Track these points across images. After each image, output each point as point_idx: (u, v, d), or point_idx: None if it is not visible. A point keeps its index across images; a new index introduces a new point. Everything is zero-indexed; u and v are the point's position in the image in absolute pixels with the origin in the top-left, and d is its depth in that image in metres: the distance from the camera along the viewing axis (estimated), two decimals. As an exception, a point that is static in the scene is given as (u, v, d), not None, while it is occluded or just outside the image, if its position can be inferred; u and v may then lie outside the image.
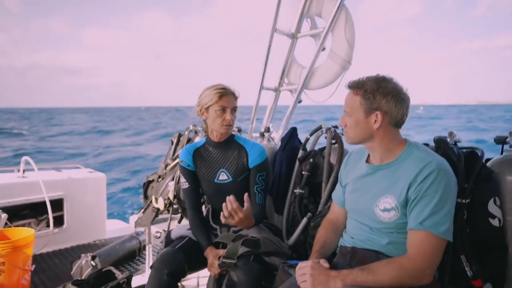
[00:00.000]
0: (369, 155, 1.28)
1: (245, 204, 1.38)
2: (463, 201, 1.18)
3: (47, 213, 2.82)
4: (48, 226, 2.88)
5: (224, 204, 1.33)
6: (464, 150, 1.28)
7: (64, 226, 3.18)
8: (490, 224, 1.19)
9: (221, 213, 1.35)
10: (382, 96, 1.14)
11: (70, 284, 1.89)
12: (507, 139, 1.30)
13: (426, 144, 1.35)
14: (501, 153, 1.34)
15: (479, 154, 1.24)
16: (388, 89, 1.14)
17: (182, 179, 1.70)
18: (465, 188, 1.19)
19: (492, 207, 1.19)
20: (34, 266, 2.35)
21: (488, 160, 1.32)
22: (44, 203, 2.81)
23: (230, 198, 1.34)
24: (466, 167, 1.22)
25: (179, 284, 2.36)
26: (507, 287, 1.20)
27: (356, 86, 1.19)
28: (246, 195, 1.40)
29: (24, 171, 3.09)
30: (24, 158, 2.99)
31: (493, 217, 1.19)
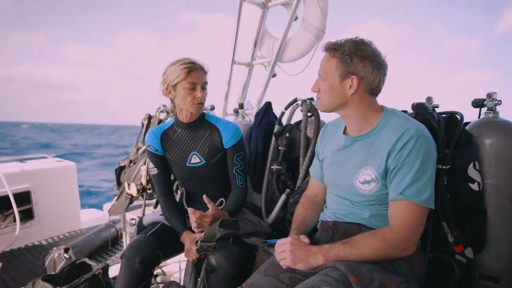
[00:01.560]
0: (346, 127, 1.22)
1: (210, 207, 1.37)
2: (444, 167, 1.15)
3: (12, 207, 2.65)
4: (15, 221, 2.72)
5: (191, 217, 1.35)
6: (444, 115, 1.24)
7: (35, 219, 3.03)
8: (470, 189, 1.16)
9: (191, 225, 1.38)
10: (359, 60, 1.07)
11: (40, 280, 1.78)
12: (485, 102, 1.27)
13: (405, 111, 1.31)
14: (479, 117, 1.30)
15: (459, 118, 1.20)
16: (367, 53, 1.07)
17: (151, 165, 1.59)
18: (445, 153, 1.16)
19: (472, 172, 1.16)
20: (1, 264, 2.22)
21: (466, 124, 1.29)
22: (9, 197, 2.64)
23: (190, 211, 1.34)
24: (446, 132, 1.18)
25: (159, 270, 2.30)
26: (487, 249, 1.20)
27: (333, 48, 1.11)
28: (204, 196, 1.38)
29: (-18, 164, 2.89)
30: (-19, 150, 2.78)
31: (473, 181, 1.17)
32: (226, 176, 1.58)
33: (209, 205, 1.36)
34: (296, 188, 1.62)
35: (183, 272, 2.20)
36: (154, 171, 1.58)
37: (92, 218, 3.51)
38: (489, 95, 1.25)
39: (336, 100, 1.12)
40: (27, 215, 3.00)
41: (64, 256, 2.25)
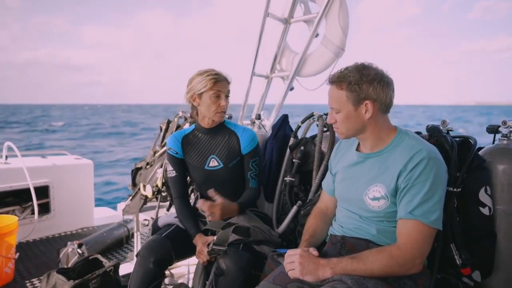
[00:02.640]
0: (359, 143, 1.26)
1: (217, 198, 1.46)
2: (455, 189, 1.17)
3: (32, 200, 2.76)
4: (33, 213, 2.83)
5: (203, 207, 1.44)
6: (457, 139, 1.27)
7: (51, 213, 3.13)
8: (480, 213, 1.18)
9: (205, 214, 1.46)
10: (368, 85, 1.11)
11: (54, 273, 1.85)
12: (499, 128, 1.29)
13: (419, 133, 1.34)
14: (493, 142, 1.32)
15: (472, 143, 1.23)
16: (372, 76, 1.12)
17: (169, 167, 1.66)
18: (457, 177, 1.18)
19: (483, 196, 1.18)
20: (18, 254, 2.31)
21: (480, 149, 1.31)
22: (29, 190, 2.75)
23: (199, 203, 1.46)
24: (458, 155, 1.20)
25: (168, 272, 2.35)
26: (495, 274, 1.21)
27: (339, 80, 1.15)
28: (210, 191, 1.50)
29: (7, 157, 3.01)
30: (7, 143, 2.91)
31: (484, 205, 1.18)
32: (241, 181, 1.64)
33: (215, 198, 1.45)
34: (307, 201, 1.65)
35: (191, 275, 2.24)
36: (172, 173, 1.65)
37: (104, 216, 3.59)
38: (504, 122, 1.27)
39: (355, 126, 1.17)
40: (43, 208, 3.09)
41: (78, 251, 2.33)
